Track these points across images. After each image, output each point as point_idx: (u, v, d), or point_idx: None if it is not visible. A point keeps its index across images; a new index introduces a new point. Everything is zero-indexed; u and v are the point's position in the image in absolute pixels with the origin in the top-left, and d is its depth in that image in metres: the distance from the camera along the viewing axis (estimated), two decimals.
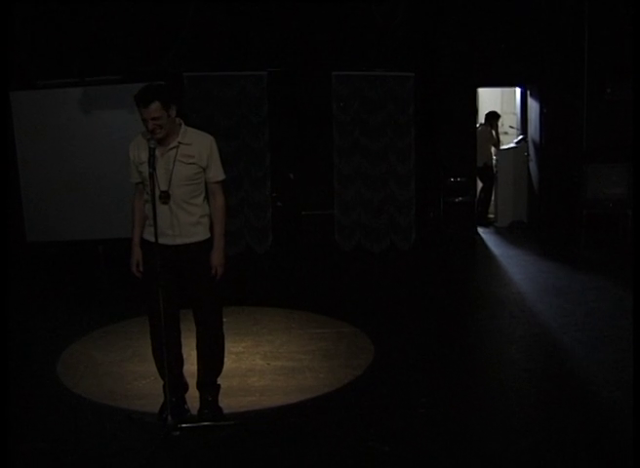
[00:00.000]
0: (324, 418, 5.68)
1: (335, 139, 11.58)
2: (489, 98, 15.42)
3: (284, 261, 11.20)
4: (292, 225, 11.72)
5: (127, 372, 6.70)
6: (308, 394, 6.12)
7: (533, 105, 13.40)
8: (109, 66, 10.85)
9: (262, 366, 6.79)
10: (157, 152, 5.32)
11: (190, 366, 5.90)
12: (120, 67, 10.84)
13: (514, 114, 15.01)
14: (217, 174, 5.56)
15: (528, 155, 13.59)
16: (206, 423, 5.50)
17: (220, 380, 5.81)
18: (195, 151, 5.44)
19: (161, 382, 5.68)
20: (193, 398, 5.74)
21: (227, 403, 5.83)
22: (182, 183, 5.42)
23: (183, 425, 5.37)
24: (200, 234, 5.56)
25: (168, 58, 10.83)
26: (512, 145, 14.12)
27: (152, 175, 5.25)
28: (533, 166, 13.45)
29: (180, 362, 5.78)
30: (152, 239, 5.33)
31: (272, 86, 11.45)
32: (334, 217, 11.73)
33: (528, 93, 13.73)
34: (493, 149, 13.95)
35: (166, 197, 5.38)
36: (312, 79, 11.59)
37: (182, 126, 5.49)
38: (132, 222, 5.69)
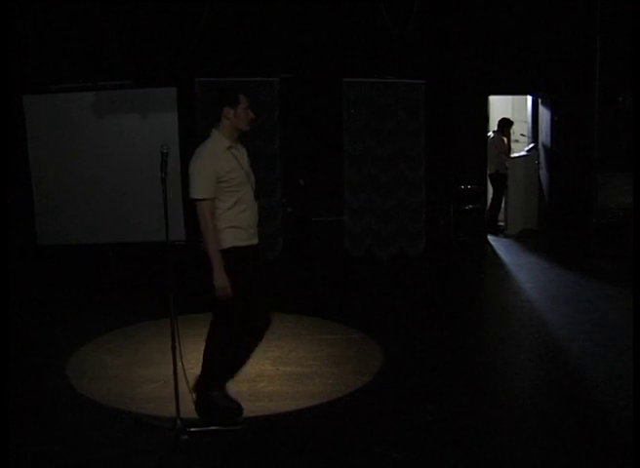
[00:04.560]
0: (332, 424, 5.69)
1: (345, 146, 11.60)
2: (500, 106, 15.41)
3: (294, 267, 11.21)
4: (302, 231, 11.72)
5: (136, 376, 6.72)
6: (317, 400, 6.13)
7: (544, 113, 13.40)
8: (121, 71, 10.89)
9: (272, 371, 6.80)
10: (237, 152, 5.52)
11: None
12: (131, 72, 10.89)
13: (525, 122, 15.00)
14: None
15: (539, 163, 13.58)
16: (215, 428, 5.51)
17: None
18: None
19: (168, 387, 5.68)
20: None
21: None
22: None
23: (192, 429, 5.38)
24: None
25: (180, 63, 10.86)
26: (523, 153, 14.11)
27: (248, 175, 5.53)
28: (543, 174, 13.44)
29: None
30: (245, 243, 5.46)
31: (284, 92, 11.48)
32: (344, 224, 11.74)
33: (539, 101, 13.73)
34: (504, 157, 13.92)
35: (257, 194, 5.54)
36: (323, 85, 11.61)
37: None
38: (215, 245, 5.39)
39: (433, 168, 11.98)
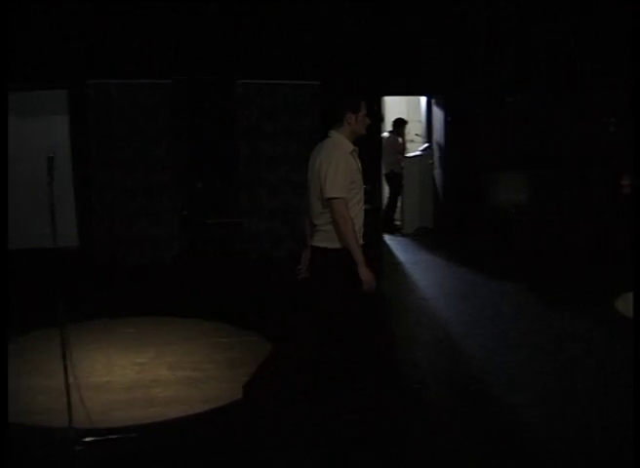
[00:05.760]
0: (229, 428, 5.64)
1: (239, 147, 11.52)
2: (395, 106, 15.56)
3: (190, 271, 11.08)
4: (198, 234, 11.61)
5: (27, 388, 6.53)
6: (213, 404, 6.06)
7: (437, 114, 13.62)
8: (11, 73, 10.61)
9: (167, 376, 6.72)
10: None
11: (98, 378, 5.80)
12: (23, 74, 10.60)
13: (420, 122, 15.21)
14: None
15: (433, 162, 13.79)
16: (110, 436, 5.41)
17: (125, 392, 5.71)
18: None
19: (61, 398, 5.55)
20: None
21: (131, 415, 5.76)
22: None
23: (87, 439, 5.27)
24: None
25: (71, 64, 10.65)
26: (418, 153, 14.29)
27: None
28: (438, 173, 13.65)
29: None
30: (360, 242, 5.62)
31: (176, 94, 11.35)
32: (239, 225, 11.66)
33: (433, 101, 13.94)
34: (399, 156, 14.07)
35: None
36: (216, 87, 11.53)
37: None
38: (357, 241, 5.56)
39: None
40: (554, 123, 12.47)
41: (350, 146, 5.73)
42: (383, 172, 13.64)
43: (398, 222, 14.21)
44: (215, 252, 11.58)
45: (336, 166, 5.54)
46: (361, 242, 5.70)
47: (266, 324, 8.18)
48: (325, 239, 5.66)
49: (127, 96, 11.14)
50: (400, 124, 14.25)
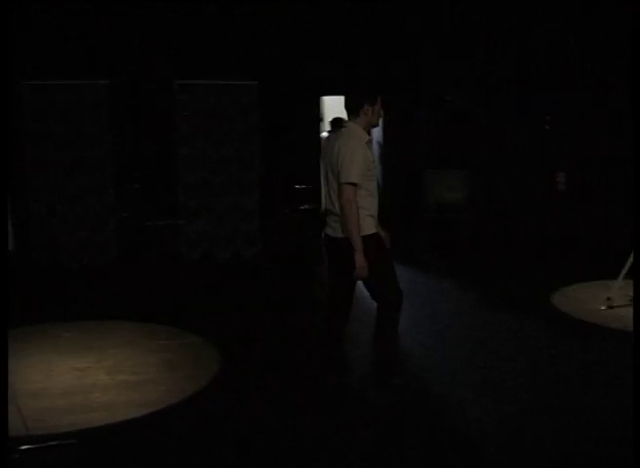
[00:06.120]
0: (169, 431, 5.62)
1: (179, 149, 11.46)
2: (334, 106, 15.55)
3: (129, 273, 10.99)
4: (137, 236, 11.52)
5: None
6: (152, 407, 6.00)
7: None
8: None
9: (106, 381, 6.63)
10: None
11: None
12: None
13: None
14: None
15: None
16: (49, 443, 5.34)
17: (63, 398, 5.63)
18: None
19: None
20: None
21: (70, 420, 5.69)
22: None
23: (23, 447, 5.20)
24: None
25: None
26: None
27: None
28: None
29: None
30: (377, 230, 5.99)
31: (115, 95, 11.25)
32: (179, 227, 11.59)
33: None
34: None
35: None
36: (155, 87, 11.47)
37: None
38: (358, 229, 5.76)
39: (268, 169, 12.01)
40: (492, 121, 12.65)
41: (366, 136, 6.00)
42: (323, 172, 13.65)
43: None
44: (154, 254, 11.51)
45: (352, 154, 5.77)
46: (379, 229, 6.08)
47: (205, 325, 8.16)
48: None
49: (65, 96, 11.01)
50: (338, 123, 14.18)
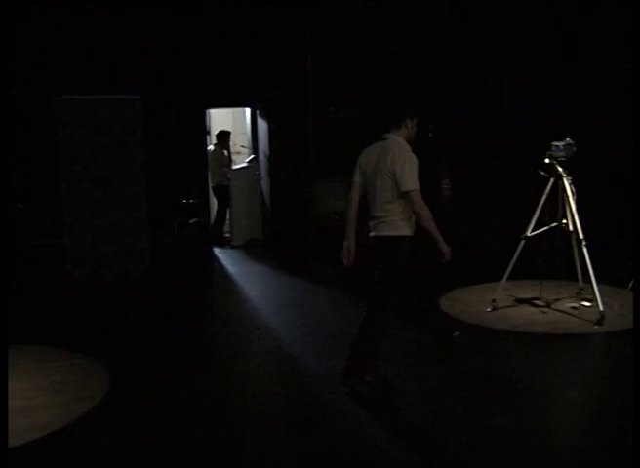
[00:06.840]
0: (59, 456, 5.49)
1: (61, 165, 11.21)
2: (222, 119, 15.55)
3: (13, 293, 10.65)
4: (20, 255, 11.24)
5: None
6: (41, 432, 5.82)
7: (262, 124, 13.71)
8: None
9: None
10: None
11: None
12: None
13: (245, 134, 15.26)
14: None
15: (259, 173, 13.85)
16: None
17: None
18: None
19: None
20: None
21: None
22: None
23: None
24: None
25: None
26: (244, 164, 14.31)
27: None
28: (264, 184, 13.73)
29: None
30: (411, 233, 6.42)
31: None
32: (64, 245, 11.32)
33: (257, 112, 14.02)
34: (225, 169, 14.02)
35: None
36: (33, 104, 11.24)
37: None
38: (433, 221, 6.33)
39: (154, 184, 11.83)
40: (377, 130, 12.80)
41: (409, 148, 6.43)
42: (210, 185, 13.63)
43: (228, 235, 14.17)
44: (39, 272, 11.26)
45: (409, 163, 6.23)
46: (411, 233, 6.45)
47: (93, 345, 8.00)
48: (389, 229, 6.35)
49: None
50: (223, 136, 14.18)
